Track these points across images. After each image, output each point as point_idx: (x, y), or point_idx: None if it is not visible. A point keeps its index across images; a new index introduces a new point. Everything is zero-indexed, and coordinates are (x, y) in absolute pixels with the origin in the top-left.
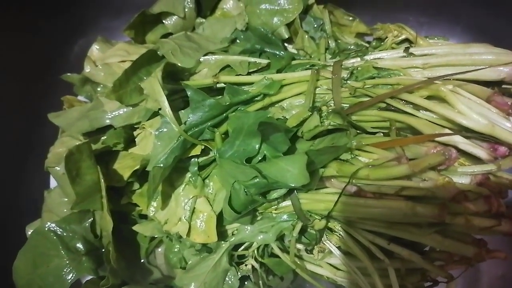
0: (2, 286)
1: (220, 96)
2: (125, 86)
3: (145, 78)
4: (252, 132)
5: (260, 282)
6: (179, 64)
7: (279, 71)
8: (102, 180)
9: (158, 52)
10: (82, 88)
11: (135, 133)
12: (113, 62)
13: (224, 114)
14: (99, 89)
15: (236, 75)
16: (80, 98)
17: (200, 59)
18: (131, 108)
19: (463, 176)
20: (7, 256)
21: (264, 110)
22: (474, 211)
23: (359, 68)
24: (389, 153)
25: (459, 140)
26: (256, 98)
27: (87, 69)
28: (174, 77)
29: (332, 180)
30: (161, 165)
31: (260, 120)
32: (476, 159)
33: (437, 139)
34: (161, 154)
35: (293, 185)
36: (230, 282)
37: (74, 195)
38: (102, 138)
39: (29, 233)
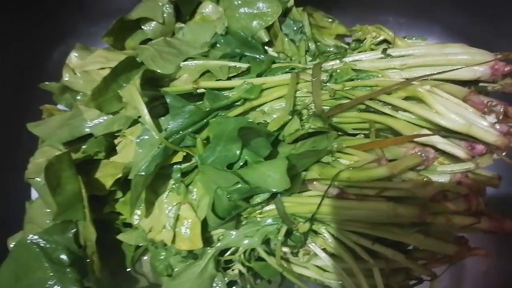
0: None
1: (200, 102)
2: (105, 94)
3: (124, 85)
4: (232, 137)
5: (248, 286)
6: (158, 71)
7: (259, 75)
8: (84, 190)
9: (137, 59)
10: (61, 96)
11: (116, 141)
12: (92, 70)
13: (205, 120)
14: (78, 97)
15: (217, 80)
16: (60, 106)
17: (180, 65)
18: (111, 116)
19: (442, 175)
20: None
21: (245, 115)
22: (454, 210)
23: (338, 71)
24: (369, 155)
25: (437, 140)
26: (237, 103)
27: (66, 77)
28: (154, 84)
29: (314, 183)
30: (143, 173)
31: (240, 125)
32: (455, 158)
33: (416, 139)
34: (143, 161)
35: (274, 190)
36: (217, 287)
37: (55, 206)
38: (83, 147)
39: (11, 245)
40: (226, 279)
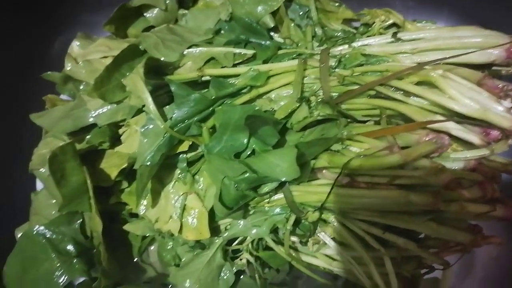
0: None
1: (205, 90)
2: (107, 83)
3: (127, 74)
4: (239, 126)
5: (256, 275)
6: (162, 59)
7: (265, 61)
8: (89, 181)
9: (140, 47)
10: (64, 86)
11: (120, 130)
12: (95, 59)
13: (211, 108)
14: (81, 87)
15: (222, 67)
16: (63, 97)
17: (184, 52)
18: (114, 105)
19: (455, 162)
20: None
21: (252, 103)
22: (469, 197)
23: (347, 56)
24: (380, 142)
25: (451, 126)
26: (243, 91)
27: (68, 66)
28: (157, 72)
29: (323, 171)
30: (148, 163)
31: (247, 114)
32: (468, 144)
33: (429, 126)
34: (148, 151)
35: (283, 179)
36: (225, 277)
37: (61, 197)
38: (87, 137)
39: (19, 236)
40: (234, 268)
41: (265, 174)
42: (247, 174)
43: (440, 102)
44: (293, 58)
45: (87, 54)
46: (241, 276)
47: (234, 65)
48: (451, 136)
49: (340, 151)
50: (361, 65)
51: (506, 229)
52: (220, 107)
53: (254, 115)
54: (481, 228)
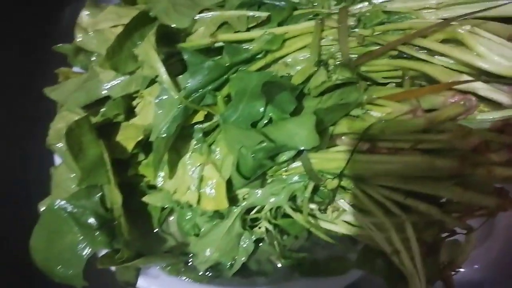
0: (22, 262)
1: (219, 57)
2: (119, 53)
3: (139, 43)
4: (256, 94)
5: (275, 242)
6: (173, 25)
7: (280, 24)
8: (106, 154)
9: (150, 13)
10: (75, 58)
11: (134, 102)
12: (105, 28)
13: (225, 76)
14: (93, 58)
15: (235, 32)
16: (76, 69)
17: (196, 17)
18: (127, 76)
19: (482, 123)
20: (24, 233)
21: (267, 68)
22: (497, 161)
23: (367, 14)
24: (403, 106)
25: (479, 86)
26: (258, 56)
27: (79, 37)
28: (169, 40)
29: (343, 137)
30: (165, 134)
31: (264, 80)
32: (495, 104)
33: (455, 86)
34: (163, 123)
35: (302, 148)
36: (244, 245)
37: (79, 171)
38: (102, 110)
39: (41, 210)
40: (253, 236)
41: (283, 143)
42: (265, 144)
43: (468, 60)
44: (309, 19)
45: (97, 23)
46: (260, 244)
47: (248, 30)
48: (478, 96)
49: (360, 116)
50: (382, 23)
51: None
52: (235, 74)
53: (270, 82)
54: (508, 191)
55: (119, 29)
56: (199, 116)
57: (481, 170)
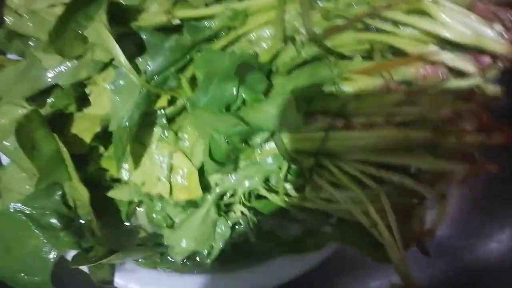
0: None
1: (180, 36)
2: (63, 35)
3: (85, 23)
4: (228, 75)
5: (251, 224)
6: (123, 2)
7: None
8: (63, 148)
9: None
10: (9, 44)
11: (87, 90)
12: (41, 8)
13: (188, 56)
14: (31, 43)
15: (193, 8)
16: (11, 56)
17: None
18: (75, 61)
19: (449, 93)
20: None
21: (231, 46)
22: (469, 130)
23: None
24: (376, 80)
25: (446, 56)
26: (220, 33)
27: (9, 20)
28: (119, 19)
29: (318, 116)
30: (126, 123)
31: (237, 61)
32: (460, 73)
33: (424, 57)
34: (123, 111)
35: (279, 130)
36: (221, 232)
37: (35, 170)
38: (49, 101)
39: None
40: (229, 222)
41: (260, 126)
42: (240, 127)
43: (432, 30)
44: None
45: (30, 3)
46: (236, 227)
47: (206, 5)
48: (444, 66)
49: (334, 93)
50: None
51: None
52: (199, 54)
53: (243, 62)
54: (475, 156)
55: (58, 9)
56: (163, 102)
57: (452, 138)
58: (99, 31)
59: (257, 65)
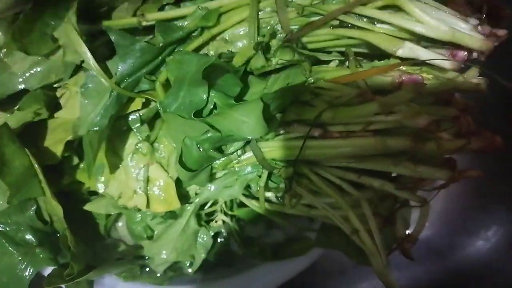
0: None
1: (150, 36)
2: (29, 34)
3: (52, 23)
4: (196, 80)
5: (234, 232)
6: None
7: None
8: (35, 163)
9: None
10: None
11: (58, 94)
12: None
13: (160, 58)
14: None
15: (163, 5)
16: None
17: None
18: (46, 64)
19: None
20: None
21: (205, 46)
22: (448, 138)
23: None
24: (352, 89)
25: (422, 53)
26: (194, 34)
27: None
28: (90, 17)
29: (294, 125)
30: (97, 128)
31: (205, 65)
32: (437, 69)
33: (400, 55)
34: (93, 114)
35: (250, 137)
36: (202, 242)
37: (6, 187)
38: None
39: None
40: (210, 231)
41: (230, 133)
42: (210, 134)
43: (407, 26)
44: None
45: None
46: (218, 237)
47: (177, 2)
48: (421, 62)
49: (309, 101)
50: None
51: None
52: (171, 56)
53: (212, 65)
54: (455, 161)
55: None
56: (136, 105)
57: (431, 144)
58: (68, 33)
59: (229, 68)
